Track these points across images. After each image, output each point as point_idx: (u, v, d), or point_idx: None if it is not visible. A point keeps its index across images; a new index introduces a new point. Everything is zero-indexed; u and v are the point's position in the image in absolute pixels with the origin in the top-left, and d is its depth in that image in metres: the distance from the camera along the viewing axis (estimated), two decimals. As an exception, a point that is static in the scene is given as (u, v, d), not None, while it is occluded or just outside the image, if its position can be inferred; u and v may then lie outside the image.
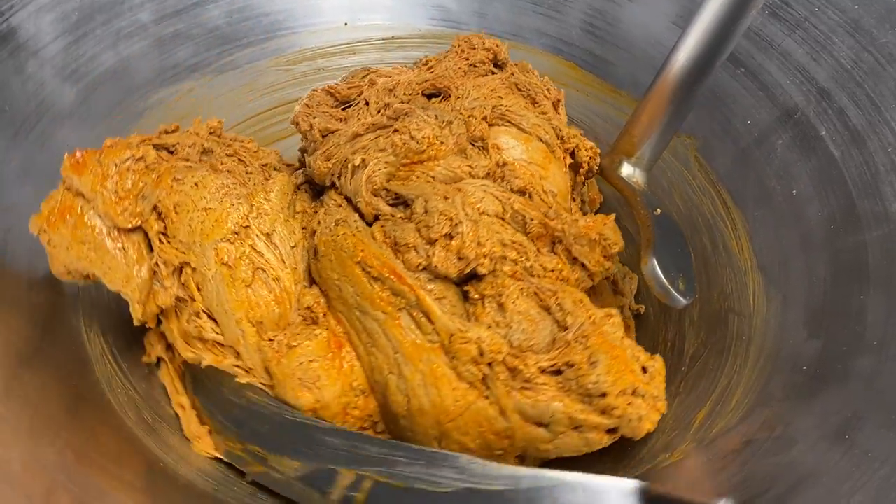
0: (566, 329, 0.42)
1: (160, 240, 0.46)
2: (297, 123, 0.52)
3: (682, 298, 0.44)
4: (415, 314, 0.44)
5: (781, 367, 0.46)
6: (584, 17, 0.66)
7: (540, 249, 0.46)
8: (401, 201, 0.47)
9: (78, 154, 0.46)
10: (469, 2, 0.68)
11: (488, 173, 0.48)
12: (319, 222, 0.48)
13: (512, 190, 0.47)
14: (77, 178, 0.46)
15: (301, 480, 0.43)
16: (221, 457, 0.46)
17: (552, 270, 0.45)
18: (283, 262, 0.47)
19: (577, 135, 0.52)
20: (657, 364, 0.43)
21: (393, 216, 0.47)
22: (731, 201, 0.56)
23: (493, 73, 0.55)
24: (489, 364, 0.42)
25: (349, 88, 0.53)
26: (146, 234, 0.46)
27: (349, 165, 0.48)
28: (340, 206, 0.49)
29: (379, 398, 0.45)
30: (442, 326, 0.43)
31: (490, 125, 0.50)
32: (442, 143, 0.47)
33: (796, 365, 0.45)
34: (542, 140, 0.50)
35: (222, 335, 0.46)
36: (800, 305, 0.48)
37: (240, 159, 0.51)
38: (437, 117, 0.48)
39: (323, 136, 0.51)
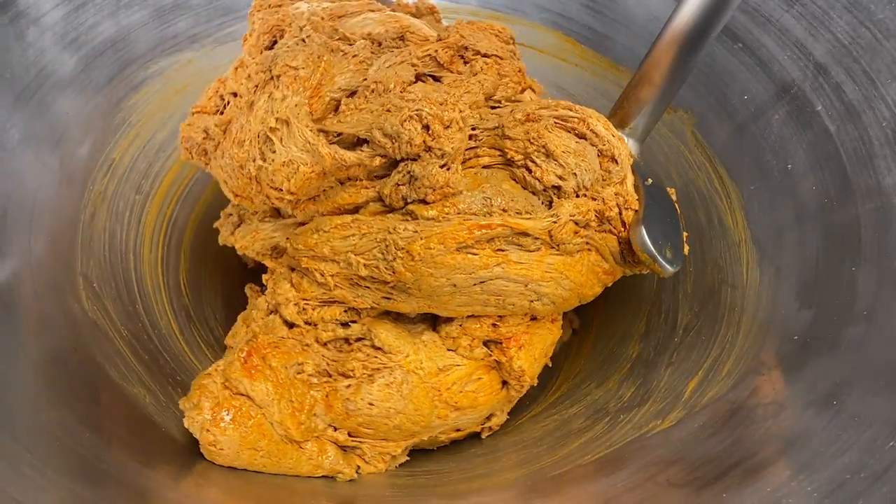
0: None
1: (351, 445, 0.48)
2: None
3: (669, 266, 0.44)
4: (512, 241, 0.45)
5: (773, 337, 0.46)
6: (584, -8, 0.66)
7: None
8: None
9: (243, 353, 0.46)
10: (469, -24, 0.68)
11: None
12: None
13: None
14: (248, 383, 0.45)
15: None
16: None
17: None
18: None
19: None
20: None
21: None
22: (726, 176, 0.57)
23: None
24: (585, 225, 0.45)
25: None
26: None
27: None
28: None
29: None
30: (539, 231, 0.44)
31: None
32: None
33: (787, 334, 0.46)
34: None
35: None
36: (792, 277, 0.49)
37: None
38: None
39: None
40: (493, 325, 0.49)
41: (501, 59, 0.48)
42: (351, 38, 0.47)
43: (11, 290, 0.46)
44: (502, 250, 0.45)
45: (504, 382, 0.51)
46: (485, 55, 0.47)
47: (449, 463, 0.52)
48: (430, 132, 0.42)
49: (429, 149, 0.43)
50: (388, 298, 0.47)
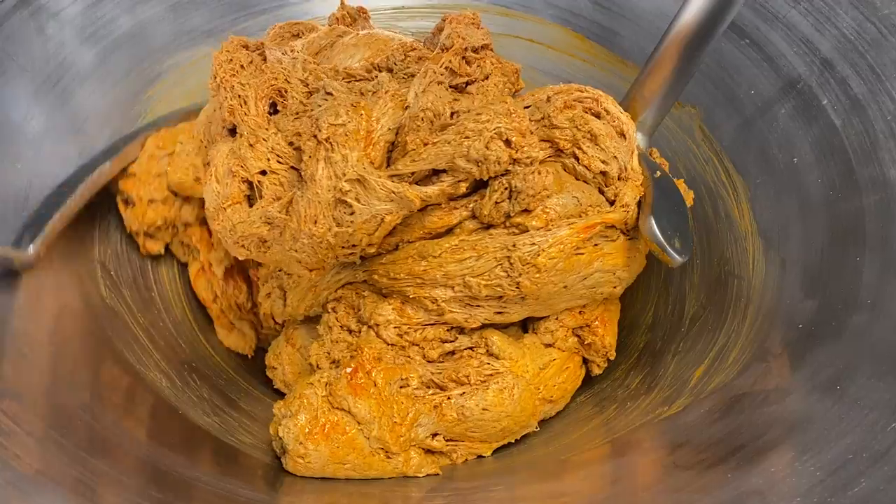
0: None
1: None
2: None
3: (678, 256, 0.45)
4: (601, 235, 0.48)
5: (778, 326, 0.47)
6: (592, -12, 0.67)
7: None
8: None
9: (349, 369, 0.45)
10: (479, -28, 0.69)
11: None
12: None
13: None
14: (352, 399, 0.45)
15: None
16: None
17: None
18: None
19: None
20: None
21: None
22: (733, 169, 0.57)
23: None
24: None
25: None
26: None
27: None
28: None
29: None
30: (619, 222, 0.47)
31: None
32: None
33: (792, 323, 0.46)
34: None
35: None
36: (798, 268, 0.49)
37: None
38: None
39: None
40: (580, 312, 0.51)
41: (491, 49, 0.49)
42: (358, 74, 0.47)
43: (34, 276, 0.47)
44: (597, 245, 0.47)
45: (584, 364, 0.54)
46: (478, 49, 0.47)
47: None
48: (512, 146, 0.43)
49: (515, 161, 0.43)
50: (500, 313, 0.48)
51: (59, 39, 0.56)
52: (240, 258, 0.48)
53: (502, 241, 0.45)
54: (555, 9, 0.68)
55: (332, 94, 0.45)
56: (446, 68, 0.45)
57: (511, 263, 0.45)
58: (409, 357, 0.47)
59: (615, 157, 0.47)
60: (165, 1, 0.62)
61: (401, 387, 0.46)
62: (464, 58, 0.46)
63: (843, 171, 0.50)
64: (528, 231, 0.45)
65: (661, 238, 0.45)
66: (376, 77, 0.46)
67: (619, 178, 0.47)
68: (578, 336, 0.52)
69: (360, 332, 0.49)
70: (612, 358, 0.53)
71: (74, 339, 0.47)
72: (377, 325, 0.47)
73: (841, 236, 0.48)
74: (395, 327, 0.47)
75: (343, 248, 0.44)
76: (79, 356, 0.45)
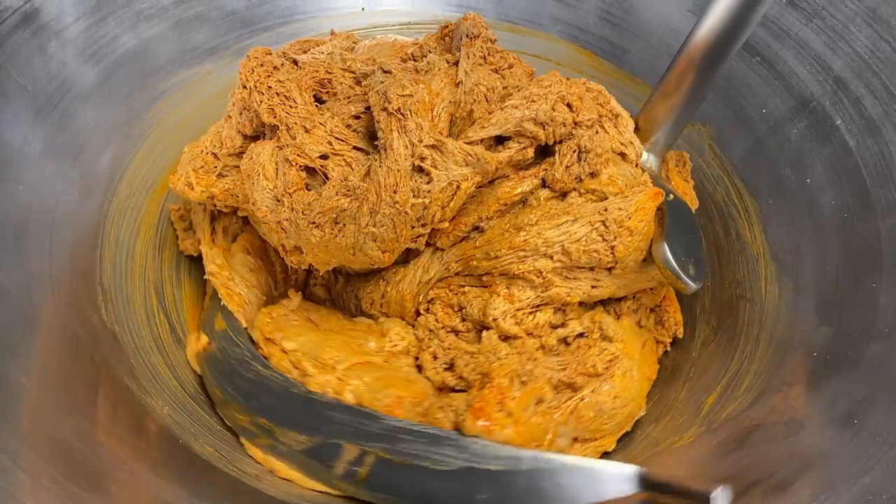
0: None
1: None
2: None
3: (692, 283, 0.44)
4: None
5: (792, 354, 0.46)
6: (601, 5, 0.66)
7: None
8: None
9: (477, 405, 0.44)
10: (486, -12, 0.69)
11: None
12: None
13: None
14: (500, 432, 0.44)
15: (306, 453, 0.44)
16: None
17: None
18: None
19: None
20: None
21: None
22: (744, 189, 0.57)
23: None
24: None
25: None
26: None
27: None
28: None
29: None
30: None
31: None
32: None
33: (807, 351, 0.45)
34: None
35: None
36: (811, 293, 0.48)
37: None
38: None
39: None
40: (652, 290, 0.52)
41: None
42: (406, 56, 0.49)
43: (32, 300, 0.46)
44: None
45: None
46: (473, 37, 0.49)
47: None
48: (573, 109, 0.46)
49: (576, 124, 0.46)
50: (595, 286, 0.48)
51: (61, 58, 0.55)
52: (312, 241, 0.45)
53: (592, 206, 0.47)
54: (562, 24, 0.68)
55: (390, 73, 0.46)
56: (478, 52, 0.47)
57: (606, 226, 0.46)
58: (532, 356, 0.47)
59: (632, 142, 0.50)
60: (168, 19, 0.61)
61: (537, 404, 0.45)
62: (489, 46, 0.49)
63: (857, 192, 0.49)
64: (607, 198, 0.47)
65: (675, 264, 0.44)
66: (426, 57, 0.48)
67: (636, 166, 0.50)
68: (655, 314, 0.54)
69: (468, 331, 0.50)
70: (679, 336, 0.54)
71: (73, 364, 0.46)
72: (495, 319, 0.48)
73: (856, 261, 0.47)
74: (511, 316, 0.48)
75: (416, 226, 0.45)
76: (77, 382, 0.45)
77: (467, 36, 0.48)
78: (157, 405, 0.46)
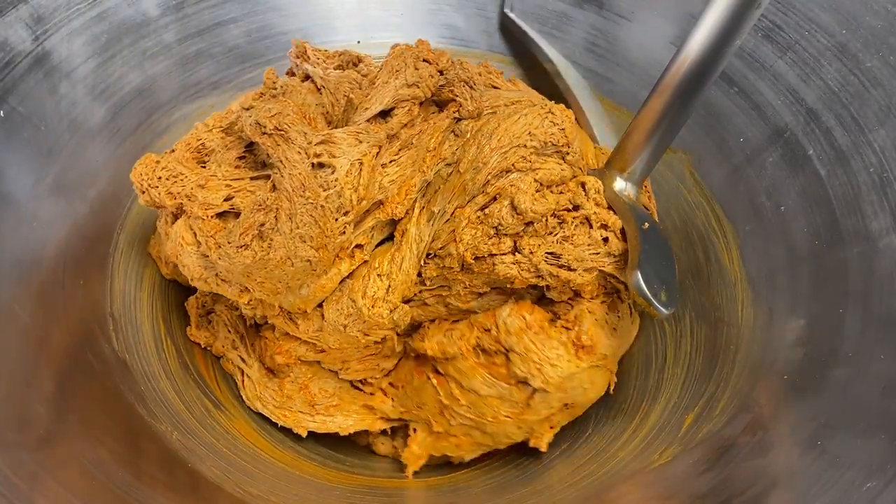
0: None
1: None
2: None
3: (664, 309, 0.46)
4: None
5: (764, 376, 0.49)
6: (586, 37, 0.69)
7: None
8: None
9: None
10: (477, 21, 0.72)
11: None
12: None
13: None
14: None
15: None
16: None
17: None
18: None
19: None
20: None
21: None
22: (723, 215, 0.59)
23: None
24: None
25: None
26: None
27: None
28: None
29: None
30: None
31: None
32: None
33: (778, 374, 0.48)
34: None
35: None
36: (784, 318, 0.51)
37: None
38: None
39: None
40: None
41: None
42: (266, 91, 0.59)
43: (47, 332, 0.49)
44: None
45: None
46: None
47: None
48: (431, 62, 0.52)
49: (441, 72, 0.51)
50: (561, 166, 0.54)
51: (72, 98, 0.58)
52: (247, 263, 0.47)
53: (533, 103, 0.53)
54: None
55: (252, 107, 0.51)
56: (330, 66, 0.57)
57: (553, 113, 0.53)
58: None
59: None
60: (173, 55, 0.64)
61: None
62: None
63: (827, 221, 0.52)
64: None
65: (648, 292, 0.47)
66: (276, 87, 0.56)
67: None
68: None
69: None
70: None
71: (86, 393, 0.48)
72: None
73: (826, 288, 0.50)
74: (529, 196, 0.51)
75: (338, 217, 0.47)
76: (90, 410, 0.47)
77: (302, 59, 0.57)
78: (165, 430, 0.49)
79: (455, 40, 0.72)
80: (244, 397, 0.58)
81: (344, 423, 0.58)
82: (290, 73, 0.60)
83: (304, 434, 0.57)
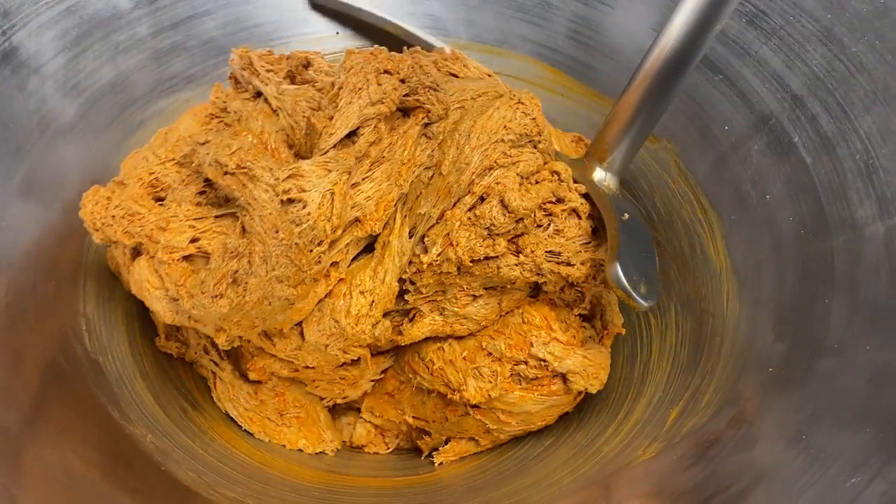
0: None
1: None
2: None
3: (643, 301, 0.46)
4: None
5: (750, 368, 0.48)
6: (569, 25, 0.67)
7: None
8: None
9: None
10: (457, 10, 0.70)
11: None
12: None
13: None
14: None
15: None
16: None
17: None
18: None
19: None
20: None
21: None
22: (708, 205, 0.58)
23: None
24: None
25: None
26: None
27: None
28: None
29: None
30: None
31: None
32: None
33: (763, 366, 0.47)
34: None
35: None
36: (770, 308, 0.50)
37: None
38: None
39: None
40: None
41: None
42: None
43: (18, 334, 0.48)
44: None
45: None
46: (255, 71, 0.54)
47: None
48: (392, 73, 0.49)
49: (403, 81, 0.49)
50: (534, 155, 0.54)
51: (41, 95, 0.56)
52: (223, 312, 0.47)
53: (501, 95, 0.52)
54: (532, 44, 0.69)
55: (208, 142, 0.48)
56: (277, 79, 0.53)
57: (524, 103, 0.52)
58: None
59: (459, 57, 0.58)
60: (146, 49, 0.63)
61: None
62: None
63: (813, 210, 0.51)
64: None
65: (626, 284, 0.46)
66: (227, 111, 0.53)
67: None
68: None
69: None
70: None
71: (57, 396, 0.47)
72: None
73: (811, 277, 0.49)
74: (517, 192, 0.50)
75: (312, 248, 0.45)
76: (61, 413, 0.46)
77: (249, 73, 0.52)
78: (140, 433, 0.48)
79: (435, 29, 0.70)
80: (215, 398, 0.57)
81: (293, 438, 0.58)
82: (235, 81, 0.57)
83: (267, 440, 0.57)
